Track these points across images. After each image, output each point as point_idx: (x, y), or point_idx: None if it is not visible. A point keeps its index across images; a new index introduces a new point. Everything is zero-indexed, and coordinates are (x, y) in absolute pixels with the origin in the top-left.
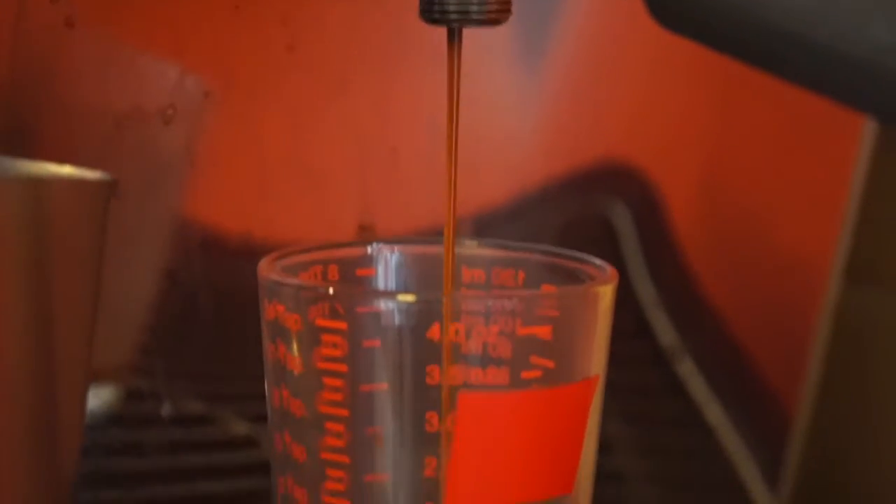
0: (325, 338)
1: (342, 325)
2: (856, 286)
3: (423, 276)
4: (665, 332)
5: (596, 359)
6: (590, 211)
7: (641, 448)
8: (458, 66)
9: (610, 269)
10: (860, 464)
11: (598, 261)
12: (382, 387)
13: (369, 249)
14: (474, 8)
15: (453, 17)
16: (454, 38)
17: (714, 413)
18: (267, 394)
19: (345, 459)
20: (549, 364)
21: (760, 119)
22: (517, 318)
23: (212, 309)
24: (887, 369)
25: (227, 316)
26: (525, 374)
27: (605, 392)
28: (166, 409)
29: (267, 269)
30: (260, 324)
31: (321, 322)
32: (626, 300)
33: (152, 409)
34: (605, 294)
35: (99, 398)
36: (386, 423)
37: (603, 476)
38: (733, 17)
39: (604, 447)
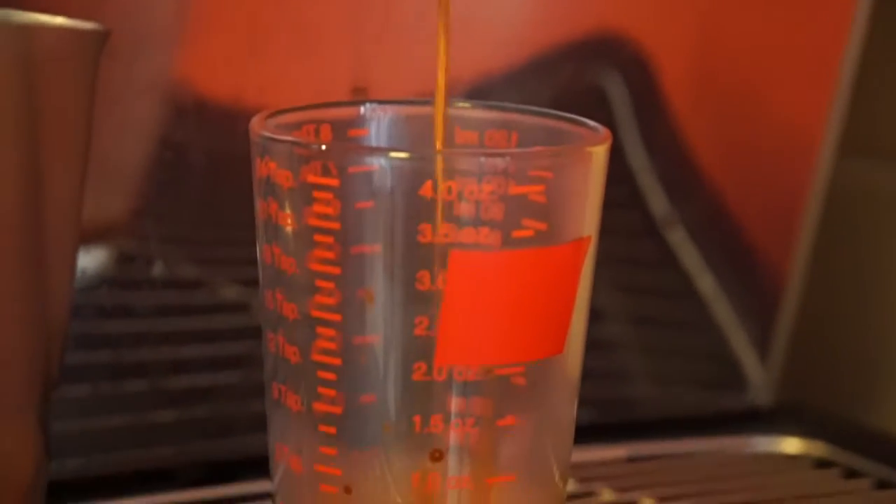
0: (317, 195)
1: (334, 182)
2: (849, 156)
3: (415, 137)
4: (657, 201)
5: (588, 220)
6: (584, 80)
7: (632, 318)
8: None
9: (604, 130)
10: (851, 335)
11: (591, 122)
12: (374, 245)
13: (362, 110)
14: None
15: None
16: None
17: (705, 283)
18: (258, 252)
19: (336, 318)
20: (542, 225)
21: None
22: (510, 177)
23: (204, 173)
24: (879, 239)
25: (219, 181)
26: (517, 234)
27: (596, 262)
28: (158, 273)
29: (259, 126)
30: (252, 188)
31: (313, 179)
32: (618, 170)
33: (144, 272)
34: (599, 154)
35: (91, 260)
36: (377, 282)
37: (594, 345)
38: None
39: (595, 317)
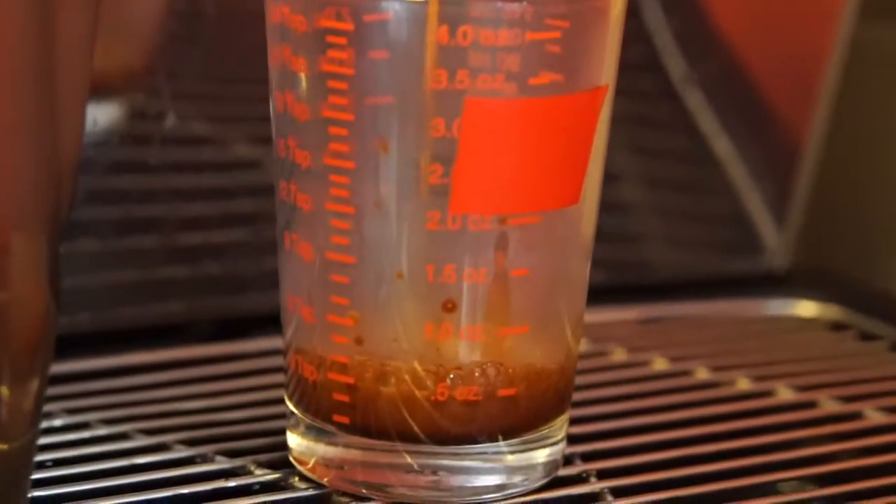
0: (331, 40)
1: (348, 27)
2: (869, 18)
3: None
4: (675, 63)
5: (605, 70)
6: None
7: (648, 180)
8: None
9: None
10: (867, 199)
11: None
12: (388, 93)
13: None
14: None
15: None
16: None
17: (722, 146)
18: (271, 100)
19: (349, 166)
20: (559, 75)
21: None
22: (527, 24)
23: (216, 28)
24: None
25: (233, 35)
26: (533, 82)
27: (613, 123)
28: (170, 129)
29: None
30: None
31: (327, 24)
32: (636, 30)
33: (156, 128)
34: (617, 1)
35: (102, 114)
36: (391, 129)
37: (610, 207)
38: None
39: (611, 178)
